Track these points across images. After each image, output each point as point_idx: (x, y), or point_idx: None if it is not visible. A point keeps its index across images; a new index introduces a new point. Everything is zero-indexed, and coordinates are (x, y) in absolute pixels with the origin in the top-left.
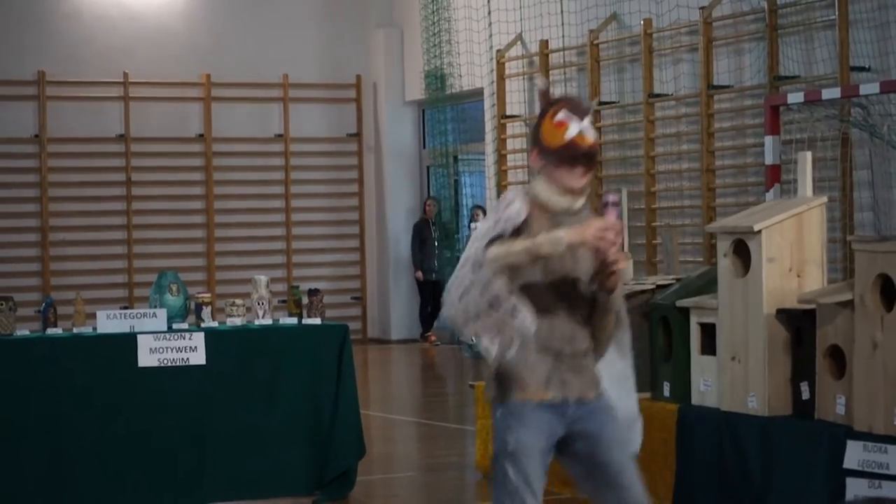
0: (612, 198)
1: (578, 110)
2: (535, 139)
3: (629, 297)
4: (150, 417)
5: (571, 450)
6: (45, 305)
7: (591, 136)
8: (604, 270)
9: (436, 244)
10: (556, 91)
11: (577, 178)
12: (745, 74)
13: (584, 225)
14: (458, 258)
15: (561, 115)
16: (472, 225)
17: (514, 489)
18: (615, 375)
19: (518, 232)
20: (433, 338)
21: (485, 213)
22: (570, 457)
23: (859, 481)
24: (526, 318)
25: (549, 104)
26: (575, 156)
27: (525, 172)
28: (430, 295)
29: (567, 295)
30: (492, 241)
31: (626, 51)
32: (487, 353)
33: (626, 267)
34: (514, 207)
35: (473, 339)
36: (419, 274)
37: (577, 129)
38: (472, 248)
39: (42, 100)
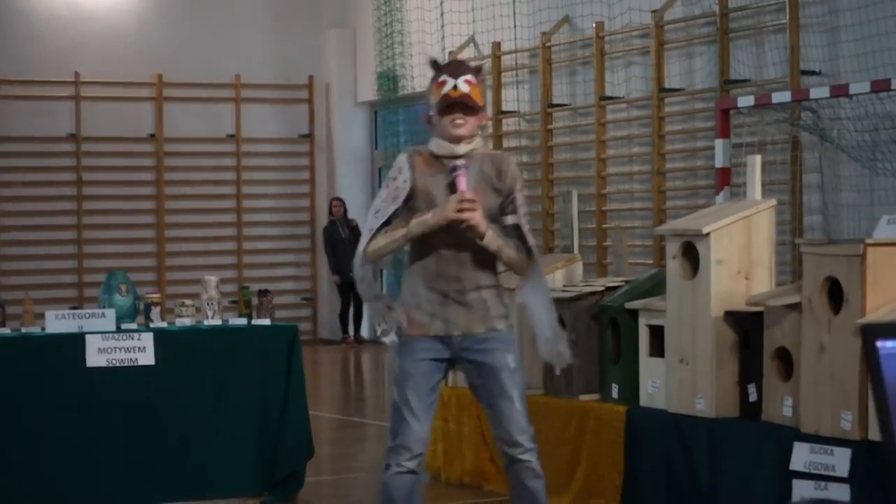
0: (458, 162)
1: (455, 70)
2: (428, 104)
3: (579, 298)
4: (98, 418)
5: (465, 375)
6: None
7: (464, 89)
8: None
9: (346, 245)
10: (509, 93)
11: (457, 126)
12: (697, 78)
13: (444, 206)
14: None
15: (441, 77)
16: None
17: (397, 408)
18: (539, 297)
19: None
20: (350, 340)
21: None
22: (468, 381)
23: (806, 483)
24: (400, 317)
25: (437, 70)
26: (450, 104)
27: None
28: (349, 297)
29: (452, 239)
30: (384, 224)
31: (577, 53)
32: (397, 311)
33: (477, 218)
34: (402, 177)
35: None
36: (336, 278)
37: (452, 83)
38: (368, 220)
39: None
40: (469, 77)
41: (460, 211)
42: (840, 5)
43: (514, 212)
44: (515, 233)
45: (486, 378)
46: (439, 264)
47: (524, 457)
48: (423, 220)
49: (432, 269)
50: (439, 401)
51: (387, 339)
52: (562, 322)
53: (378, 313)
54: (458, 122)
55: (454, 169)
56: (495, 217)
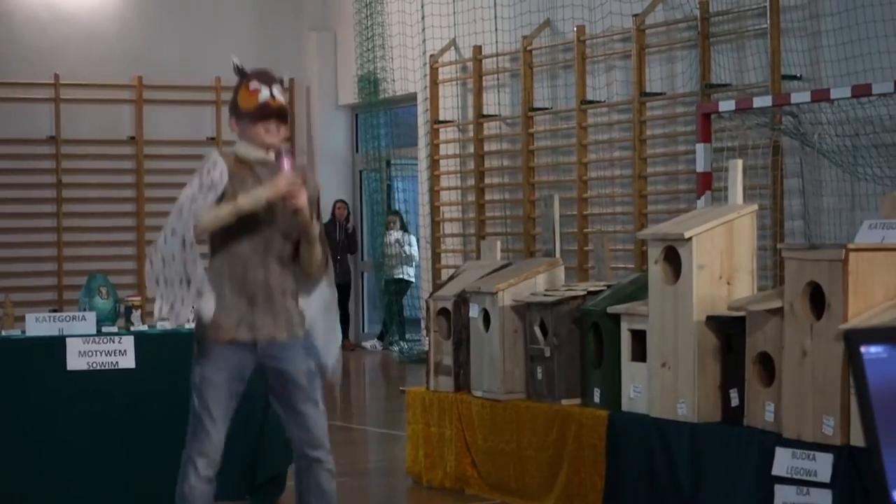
0: (284, 147)
1: (268, 79)
2: (233, 108)
3: (560, 302)
4: (78, 421)
5: (267, 381)
6: None
7: (281, 99)
8: (292, 210)
9: (338, 249)
10: (490, 97)
11: (272, 135)
12: (678, 82)
13: (275, 181)
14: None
15: (254, 84)
16: (388, 233)
17: (196, 415)
18: (322, 304)
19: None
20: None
21: (401, 219)
22: (268, 386)
23: (787, 488)
24: (208, 304)
25: (242, 77)
26: (268, 115)
27: (459, 178)
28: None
29: (261, 243)
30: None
31: (559, 57)
32: (158, 311)
33: (303, 200)
34: (219, 169)
35: (155, 289)
36: None
37: (268, 93)
38: (175, 219)
39: None
40: (279, 86)
41: (290, 193)
42: (821, 10)
43: (318, 218)
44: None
45: (290, 384)
46: (246, 268)
47: (326, 458)
48: (255, 195)
49: (239, 273)
50: (421, 405)
51: (166, 323)
52: (543, 326)
53: (178, 295)
54: (272, 130)
55: (279, 154)
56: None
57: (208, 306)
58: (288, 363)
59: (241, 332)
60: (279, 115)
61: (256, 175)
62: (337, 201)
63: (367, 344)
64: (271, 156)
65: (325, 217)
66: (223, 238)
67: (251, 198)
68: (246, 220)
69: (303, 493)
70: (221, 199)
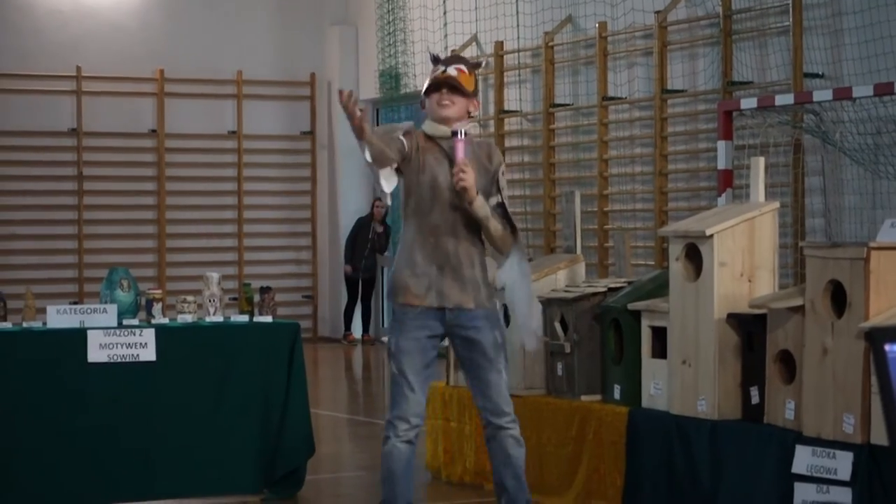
0: (460, 127)
1: (449, 60)
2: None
3: (581, 299)
4: (99, 414)
5: (455, 348)
6: None
7: (451, 72)
8: (459, 188)
9: (368, 245)
10: (511, 93)
11: (443, 107)
12: (699, 79)
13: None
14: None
15: (438, 67)
16: None
17: (395, 381)
18: (516, 273)
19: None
20: (352, 337)
21: None
22: (456, 354)
23: (808, 486)
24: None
25: (434, 63)
26: (436, 84)
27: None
28: (356, 294)
29: (451, 214)
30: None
31: (580, 53)
32: (395, 275)
33: (469, 181)
34: (404, 129)
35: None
36: (347, 268)
37: (442, 69)
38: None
39: None
40: (460, 66)
41: (457, 177)
42: (844, 8)
43: (499, 192)
44: (499, 212)
45: (476, 352)
46: (437, 238)
47: (510, 426)
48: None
49: (430, 242)
50: (441, 400)
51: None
52: (564, 322)
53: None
54: (445, 102)
55: (455, 133)
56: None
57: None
58: (475, 332)
59: (430, 299)
60: (447, 84)
61: (442, 150)
62: (375, 199)
63: (386, 339)
64: (454, 126)
65: (357, 213)
66: (416, 206)
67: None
68: (438, 192)
69: (492, 460)
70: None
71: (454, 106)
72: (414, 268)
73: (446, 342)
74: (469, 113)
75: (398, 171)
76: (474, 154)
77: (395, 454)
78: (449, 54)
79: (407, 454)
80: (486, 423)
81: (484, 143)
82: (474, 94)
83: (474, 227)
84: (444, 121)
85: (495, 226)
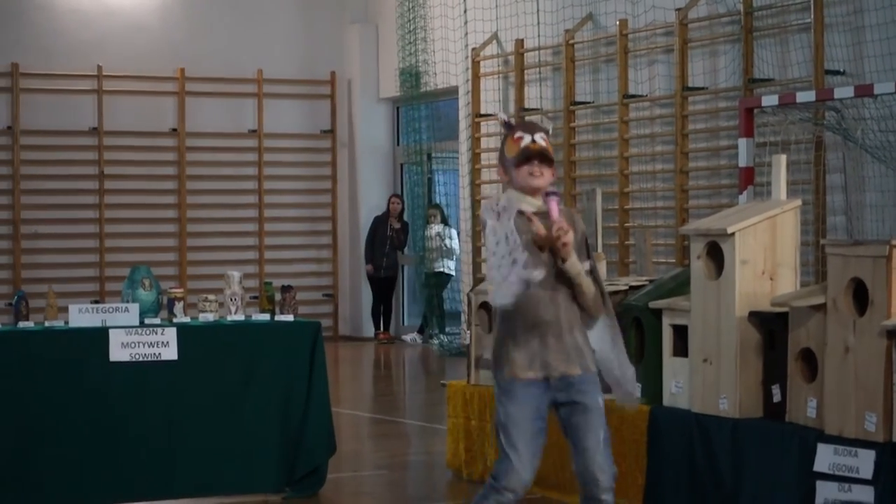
0: (553, 189)
1: (531, 128)
2: (501, 158)
3: None
4: (120, 412)
5: (558, 415)
6: (17, 299)
7: (541, 143)
8: (557, 247)
9: (388, 242)
10: (532, 91)
11: (535, 177)
12: (720, 76)
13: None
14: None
15: (518, 133)
16: (429, 227)
17: (505, 454)
18: (608, 337)
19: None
20: (382, 336)
21: (442, 213)
22: (559, 420)
23: (829, 485)
24: (533, 271)
25: (508, 129)
26: (529, 156)
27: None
28: (380, 292)
29: (549, 281)
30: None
31: (601, 51)
32: (497, 350)
33: (570, 237)
34: (506, 198)
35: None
36: (369, 267)
37: (529, 138)
38: (491, 245)
39: (15, 92)
40: (543, 135)
41: (557, 236)
42: (865, 5)
43: (588, 258)
44: (590, 278)
45: (579, 417)
46: (538, 306)
47: (603, 496)
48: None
49: (531, 311)
50: (461, 398)
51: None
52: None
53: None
54: (536, 172)
55: (548, 194)
56: None
57: (536, 274)
58: (580, 396)
59: (535, 370)
60: (541, 156)
61: (530, 223)
62: (392, 196)
63: (407, 337)
64: (543, 204)
65: (377, 211)
66: None
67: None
68: (534, 259)
69: None
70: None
71: (544, 177)
72: (515, 340)
73: None
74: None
75: None
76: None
77: None
78: (469, 54)
79: None
80: (581, 488)
81: (565, 211)
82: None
83: (570, 293)
84: (535, 191)
85: (588, 285)
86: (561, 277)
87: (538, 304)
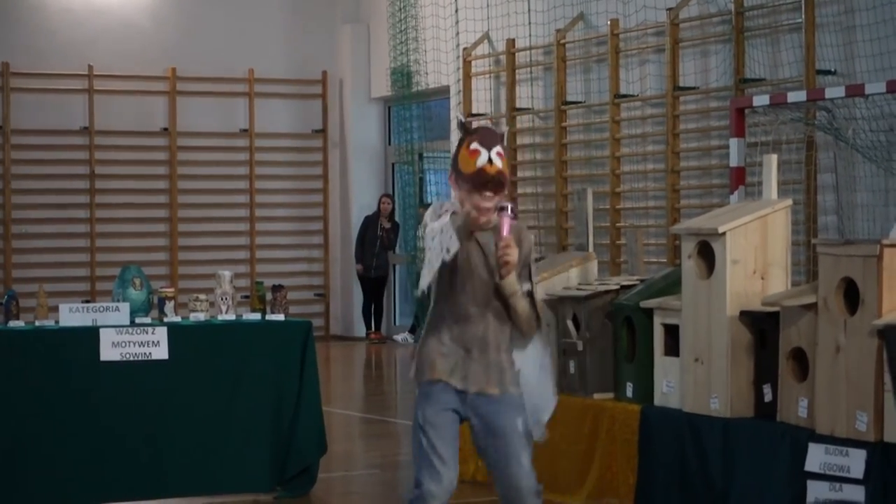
0: (506, 204)
1: (489, 141)
2: (454, 164)
3: (593, 297)
4: (111, 412)
5: (472, 432)
6: (7, 298)
7: (498, 164)
8: (500, 263)
9: (378, 242)
10: (523, 91)
11: (487, 200)
12: (711, 76)
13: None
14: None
15: (474, 145)
16: (420, 226)
17: (423, 455)
18: (536, 362)
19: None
20: (374, 335)
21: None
22: (473, 438)
23: (820, 484)
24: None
25: (467, 133)
26: (484, 183)
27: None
28: (370, 292)
29: (482, 298)
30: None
31: (592, 51)
32: (422, 352)
33: (513, 257)
34: (447, 235)
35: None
36: (359, 267)
37: (486, 156)
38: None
39: (6, 91)
40: (499, 149)
41: (502, 252)
42: (856, 5)
43: (529, 279)
44: (527, 299)
45: (496, 440)
46: (466, 321)
47: (529, 499)
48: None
49: (459, 325)
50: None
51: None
52: (576, 320)
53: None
54: (488, 198)
55: (501, 209)
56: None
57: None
58: (497, 417)
59: (454, 379)
60: (496, 183)
61: (476, 240)
62: (382, 196)
63: (398, 337)
64: (491, 222)
65: (368, 211)
66: (448, 287)
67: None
68: (469, 274)
69: None
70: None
71: (494, 201)
72: (441, 347)
73: None
74: None
75: None
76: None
77: None
78: (460, 54)
79: None
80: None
81: (516, 226)
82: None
83: (504, 312)
84: (486, 212)
85: (522, 305)
86: (496, 295)
87: (468, 317)
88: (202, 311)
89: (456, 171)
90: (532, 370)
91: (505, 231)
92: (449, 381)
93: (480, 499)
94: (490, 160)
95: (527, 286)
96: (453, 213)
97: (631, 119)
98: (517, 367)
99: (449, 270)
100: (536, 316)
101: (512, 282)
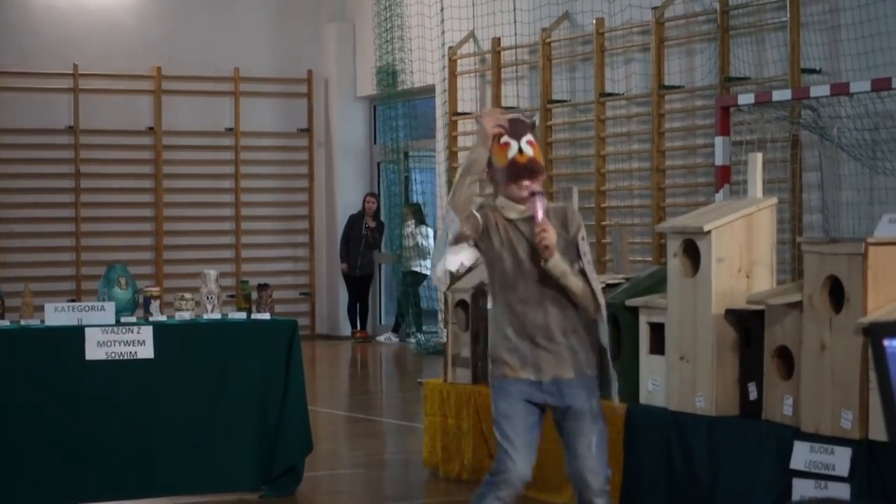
0: (536, 189)
1: (518, 131)
2: (489, 162)
3: None
4: (96, 411)
5: (553, 417)
6: None
7: (529, 152)
8: (539, 247)
9: (363, 241)
10: (508, 89)
11: (523, 189)
12: (697, 75)
13: (484, 133)
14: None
15: (504, 139)
16: (405, 225)
17: (503, 448)
18: (606, 339)
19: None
20: (359, 334)
21: (419, 211)
22: (554, 423)
23: (806, 482)
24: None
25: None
26: (518, 171)
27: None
28: (356, 291)
29: (536, 286)
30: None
31: (577, 50)
32: (492, 349)
33: (551, 239)
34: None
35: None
36: (344, 266)
37: (516, 147)
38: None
39: None
40: (530, 137)
41: (539, 236)
42: (841, 4)
43: (580, 258)
44: (580, 277)
45: (571, 422)
46: (525, 312)
47: (596, 499)
48: (474, 148)
49: (519, 318)
50: (438, 397)
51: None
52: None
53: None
54: (525, 186)
55: (532, 194)
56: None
57: (452, 262)
58: (571, 400)
59: (527, 373)
60: (529, 170)
61: (519, 230)
62: (367, 195)
63: (382, 337)
64: (528, 210)
65: (354, 210)
66: (501, 283)
67: (474, 150)
68: (520, 265)
69: None
70: (482, 233)
71: (532, 187)
72: (508, 343)
73: None
74: None
75: (476, 246)
76: (552, 218)
77: None
78: (446, 53)
79: None
80: (575, 491)
81: (560, 210)
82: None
83: (562, 295)
84: (522, 201)
85: (575, 283)
86: (548, 280)
87: (525, 308)
88: (188, 310)
89: (491, 168)
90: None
91: (539, 215)
92: (520, 376)
93: (466, 497)
94: (521, 150)
95: (577, 265)
96: (506, 220)
97: (616, 118)
98: (603, 344)
99: (499, 264)
100: (592, 291)
101: (558, 263)
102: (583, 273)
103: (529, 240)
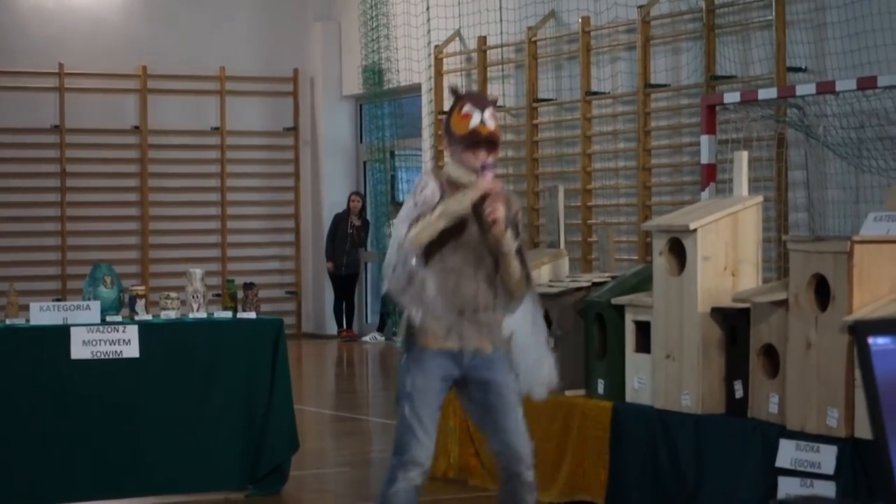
0: (489, 161)
1: (481, 103)
2: (447, 129)
3: (564, 294)
4: (82, 410)
5: (467, 393)
6: None
7: (491, 125)
8: (488, 222)
9: (348, 240)
10: (494, 88)
11: (479, 159)
12: (682, 73)
13: (476, 183)
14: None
15: (467, 108)
16: (391, 224)
17: (408, 425)
18: (529, 319)
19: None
20: (345, 333)
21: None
22: (467, 399)
23: (791, 480)
24: (430, 292)
25: (458, 99)
26: (478, 141)
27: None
28: (341, 290)
29: (473, 258)
30: (412, 223)
31: (563, 48)
32: (413, 319)
33: (501, 213)
34: (430, 188)
35: (405, 307)
36: (330, 265)
37: (479, 118)
38: (396, 231)
39: None
40: (492, 111)
41: (491, 207)
42: (826, 2)
43: (516, 238)
44: (518, 258)
45: (492, 395)
46: (459, 281)
47: (526, 473)
48: (460, 198)
49: (451, 285)
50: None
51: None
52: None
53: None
54: (482, 156)
55: (484, 167)
56: None
57: (433, 293)
58: (492, 373)
59: (450, 341)
60: (489, 142)
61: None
62: (352, 193)
63: (367, 337)
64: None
65: (340, 209)
66: (437, 250)
67: (457, 201)
68: (460, 235)
69: (502, 502)
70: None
71: (487, 159)
72: (434, 310)
73: None
74: None
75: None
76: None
77: (402, 499)
78: (432, 52)
79: (413, 500)
80: (502, 467)
81: (504, 192)
82: None
83: (492, 270)
84: (478, 171)
85: (515, 266)
86: (485, 254)
87: (460, 279)
88: (173, 309)
89: (449, 135)
90: (526, 329)
91: (488, 179)
92: (443, 345)
93: (452, 496)
94: (483, 121)
95: (515, 244)
96: (451, 185)
97: (602, 116)
98: (510, 329)
99: (442, 232)
100: (527, 275)
101: (508, 241)
102: (518, 253)
103: (476, 211)
